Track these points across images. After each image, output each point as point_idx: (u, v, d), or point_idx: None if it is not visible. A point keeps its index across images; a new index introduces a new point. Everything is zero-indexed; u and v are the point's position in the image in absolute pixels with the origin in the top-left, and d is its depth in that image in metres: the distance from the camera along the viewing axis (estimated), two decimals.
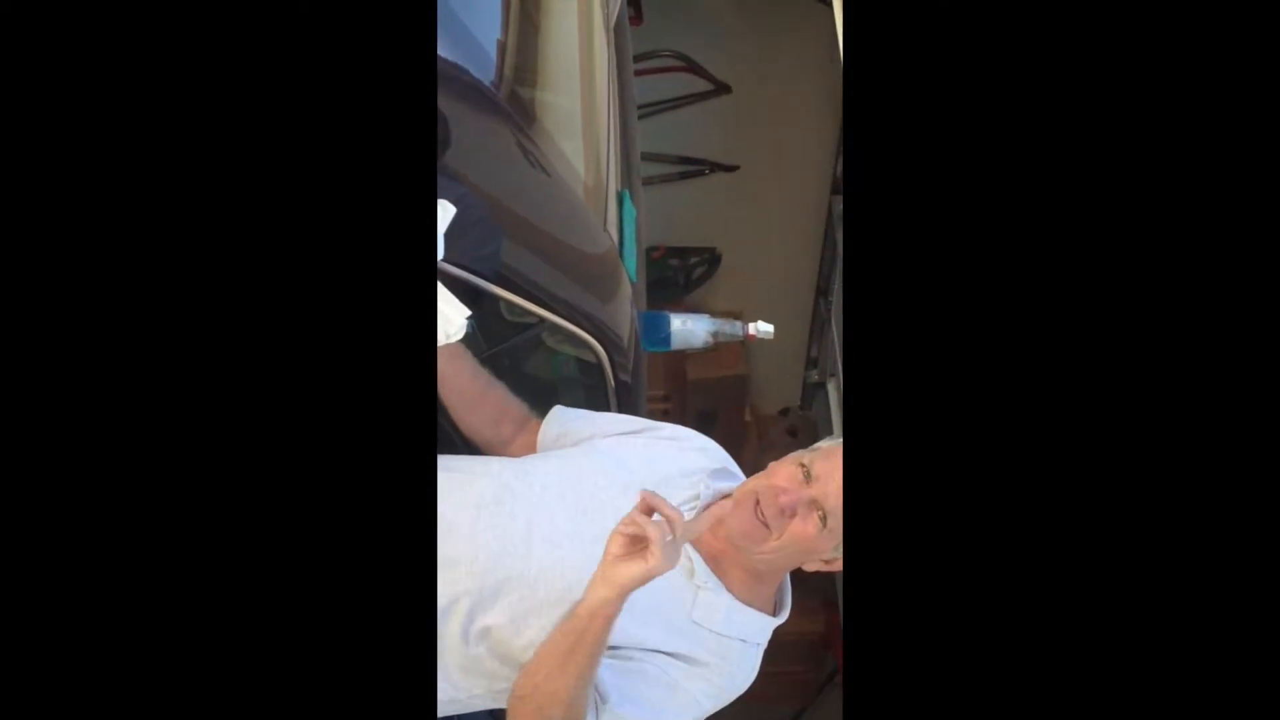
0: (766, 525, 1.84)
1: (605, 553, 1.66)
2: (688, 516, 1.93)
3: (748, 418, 5.70)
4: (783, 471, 1.87)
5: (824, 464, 1.85)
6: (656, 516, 1.66)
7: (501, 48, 2.10)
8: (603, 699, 1.81)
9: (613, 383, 2.39)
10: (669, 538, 1.64)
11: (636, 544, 1.64)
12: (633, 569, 1.64)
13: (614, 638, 1.77)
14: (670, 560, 1.64)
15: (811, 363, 5.60)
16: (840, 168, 4.84)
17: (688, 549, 1.91)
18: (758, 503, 1.85)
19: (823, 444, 1.91)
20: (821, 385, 5.48)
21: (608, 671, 1.82)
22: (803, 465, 1.85)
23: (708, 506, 1.95)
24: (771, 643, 1.99)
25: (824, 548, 1.86)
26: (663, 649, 1.87)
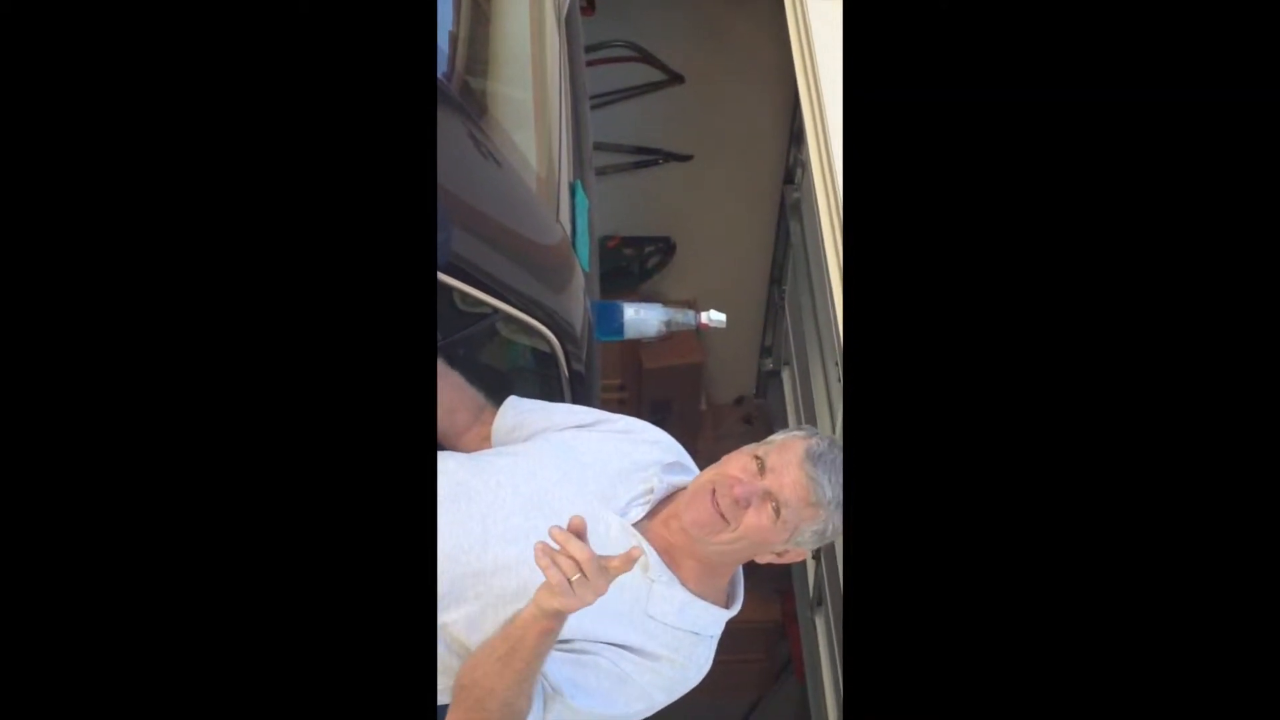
0: (723, 516, 1.86)
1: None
2: (641, 510, 1.95)
3: (703, 406, 5.72)
4: (737, 463, 1.89)
5: (778, 456, 1.87)
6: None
7: (453, 39, 2.10)
8: (555, 690, 1.82)
9: (566, 372, 2.39)
10: (576, 576, 1.65)
11: None
12: (552, 600, 1.68)
13: (567, 631, 1.78)
14: (584, 596, 1.66)
15: (766, 351, 5.61)
16: (792, 157, 4.86)
17: (642, 543, 1.92)
18: (714, 493, 1.87)
19: (777, 436, 1.93)
20: (776, 373, 5.49)
21: (560, 664, 1.83)
22: (757, 457, 1.87)
23: (661, 502, 1.96)
24: (728, 631, 2.00)
25: (776, 539, 1.88)
26: (616, 642, 1.88)
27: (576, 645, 1.86)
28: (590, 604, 1.68)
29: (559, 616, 1.70)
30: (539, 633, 1.71)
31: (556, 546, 1.66)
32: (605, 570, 1.68)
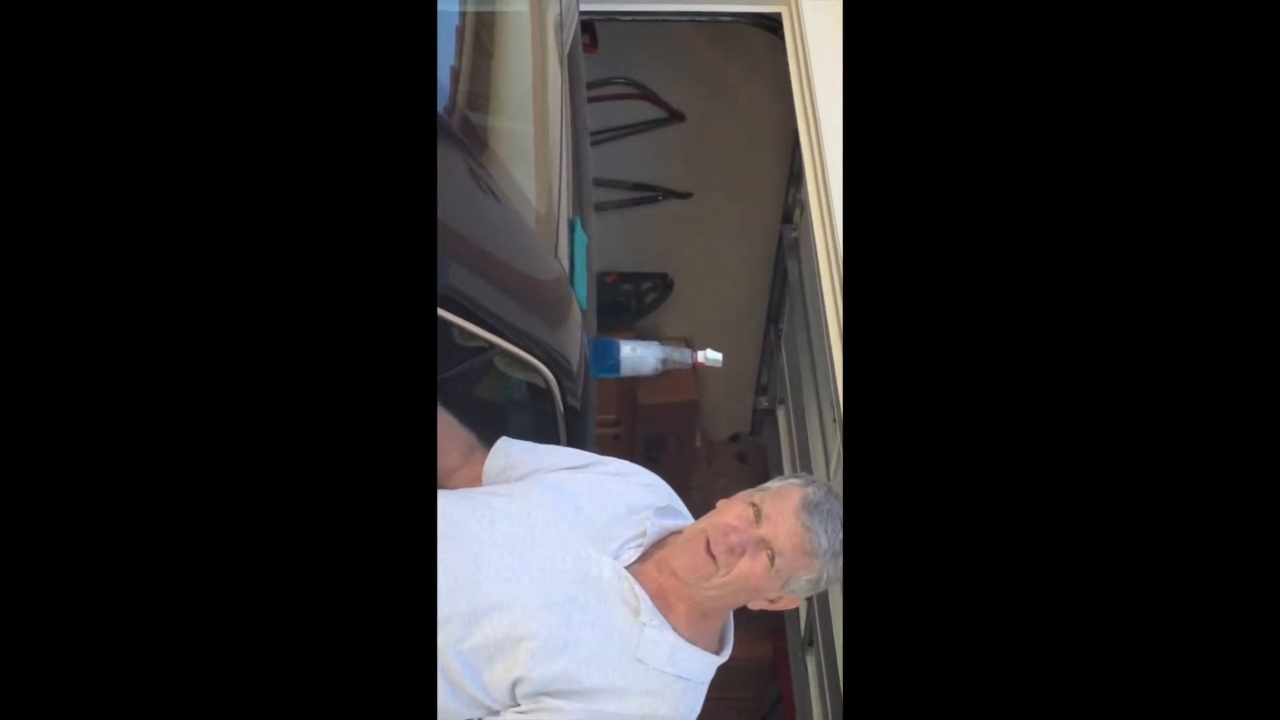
0: (714, 560, 1.85)
1: None
2: (634, 553, 1.94)
3: (698, 443, 5.72)
4: (733, 510, 1.88)
5: (775, 504, 1.87)
6: None
7: (455, 74, 2.11)
8: None
9: (561, 408, 2.39)
10: None
11: None
12: None
13: (554, 678, 1.77)
14: None
15: (761, 389, 5.61)
16: (791, 197, 4.87)
17: (634, 586, 1.91)
18: (708, 540, 1.86)
19: (773, 483, 1.93)
20: (771, 412, 5.49)
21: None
22: (754, 504, 1.87)
23: (653, 545, 1.96)
24: (718, 668, 1.99)
25: (770, 587, 1.88)
26: (603, 686, 1.86)
27: (562, 693, 1.85)
28: None
29: None
30: None
31: None
32: None
